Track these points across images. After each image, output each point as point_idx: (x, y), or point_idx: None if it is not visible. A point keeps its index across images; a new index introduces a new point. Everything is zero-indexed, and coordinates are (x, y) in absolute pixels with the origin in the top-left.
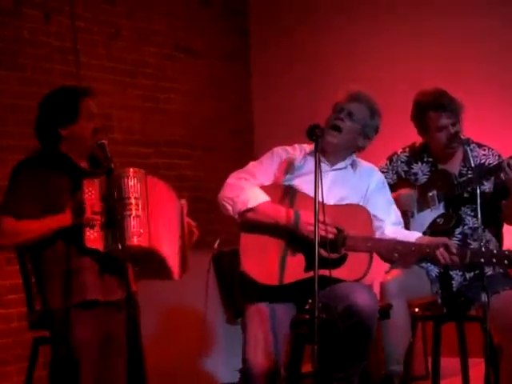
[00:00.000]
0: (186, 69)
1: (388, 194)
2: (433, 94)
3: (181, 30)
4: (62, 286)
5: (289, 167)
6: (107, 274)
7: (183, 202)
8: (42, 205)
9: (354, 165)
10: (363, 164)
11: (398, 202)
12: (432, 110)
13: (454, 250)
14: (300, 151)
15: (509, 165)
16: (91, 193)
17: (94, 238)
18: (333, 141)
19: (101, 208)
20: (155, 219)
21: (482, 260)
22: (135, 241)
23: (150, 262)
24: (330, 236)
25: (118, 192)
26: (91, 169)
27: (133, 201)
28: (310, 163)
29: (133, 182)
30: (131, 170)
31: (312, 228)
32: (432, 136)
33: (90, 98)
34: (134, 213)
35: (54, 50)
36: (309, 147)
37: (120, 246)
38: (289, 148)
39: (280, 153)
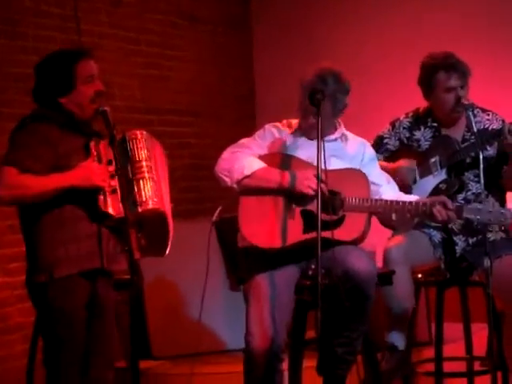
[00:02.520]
0: (189, 36)
1: (378, 166)
2: (443, 54)
3: None
4: (68, 252)
5: (281, 143)
6: (114, 243)
7: None
8: (49, 163)
9: (344, 137)
10: (353, 137)
11: (398, 174)
12: (442, 70)
13: (451, 207)
14: (288, 127)
15: (509, 130)
16: (102, 155)
17: (107, 202)
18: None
19: (113, 171)
20: (161, 181)
21: (479, 217)
22: (151, 204)
23: (153, 228)
24: (324, 189)
25: (129, 155)
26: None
27: (144, 163)
28: (299, 137)
29: (142, 145)
30: (138, 132)
31: (309, 183)
32: (439, 98)
33: (86, 60)
34: (147, 175)
35: (55, 18)
36: (296, 122)
37: (140, 210)
38: (279, 124)
39: (272, 130)
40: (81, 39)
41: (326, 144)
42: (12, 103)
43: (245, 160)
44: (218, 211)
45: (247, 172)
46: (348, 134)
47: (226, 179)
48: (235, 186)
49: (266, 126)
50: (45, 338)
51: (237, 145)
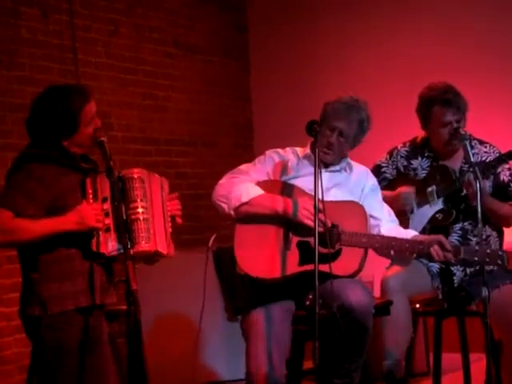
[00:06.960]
0: (184, 66)
1: (380, 196)
2: (440, 88)
3: (179, 27)
4: (63, 289)
5: (283, 169)
6: (105, 277)
7: (163, 180)
8: (45, 205)
9: (348, 168)
10: (357, 166)
11: (398, 200)
12: (438, 105)
13: (449, 247)
14: (293, 154)
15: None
16: (98, 192)
17: (100, 241)
18: (326, 158)
19: (107, 209)
20: (156, 218)
21: (476, 258)
22: (143, 245)
23: (147, 258)
24: (328, 223)
25: (124, 194)
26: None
27: (139, 204)
28: (305, 166)
29: (138, 184)
30: (135, 170)
31: (308, 213)
32: (434, 131)
33: (89, 104)
34: (141, 216)
35: (52, 48)
36: (301, 151)
37: (132, 252)
38: (281, 151)
39: (272, 155)
40: (78, 70)
41: (330, 174)
42: (9, 134)
43: (242, 186)
44: (212, 239)
45: (245, 199)
46: (352, 162)
47: (224, 206)
48: (232, 212)
49: (267, 152)
50: (39, 371)
51: (235, 171)
